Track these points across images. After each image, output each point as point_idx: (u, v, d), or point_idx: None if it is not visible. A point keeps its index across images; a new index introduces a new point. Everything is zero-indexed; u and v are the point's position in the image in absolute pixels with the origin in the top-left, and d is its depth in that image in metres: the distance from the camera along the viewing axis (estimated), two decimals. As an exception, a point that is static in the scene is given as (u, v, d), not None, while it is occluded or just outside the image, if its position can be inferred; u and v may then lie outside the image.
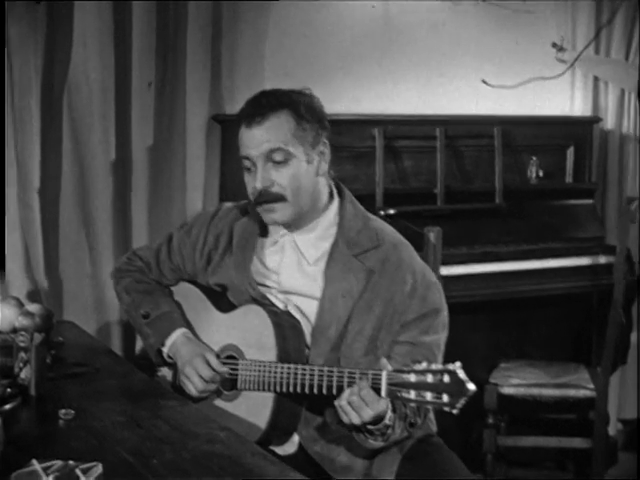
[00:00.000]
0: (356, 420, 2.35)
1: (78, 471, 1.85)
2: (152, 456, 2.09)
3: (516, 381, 4.23)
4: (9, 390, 2.47)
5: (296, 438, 2.65)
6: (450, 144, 4.62)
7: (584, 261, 4.60)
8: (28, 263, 3.92)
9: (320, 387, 2.45)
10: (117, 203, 4.11)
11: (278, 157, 2.57)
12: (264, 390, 2.56)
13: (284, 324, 2.61)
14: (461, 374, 2.20)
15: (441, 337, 2.63)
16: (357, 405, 2.33)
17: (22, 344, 2.55)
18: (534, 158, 4.81)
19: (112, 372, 2.83)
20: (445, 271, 3.81)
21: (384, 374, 2.30)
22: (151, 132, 4.13)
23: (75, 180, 4.01)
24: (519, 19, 4.97)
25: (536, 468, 4.77)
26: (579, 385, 4.19)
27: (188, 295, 2.90)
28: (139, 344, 3.00)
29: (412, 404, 2.31)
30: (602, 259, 4.60)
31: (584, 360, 4.60)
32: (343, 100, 4.48)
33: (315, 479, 2.49)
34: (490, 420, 4.20)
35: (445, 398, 2.20)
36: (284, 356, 2.56)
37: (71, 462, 1.89)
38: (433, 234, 3.25)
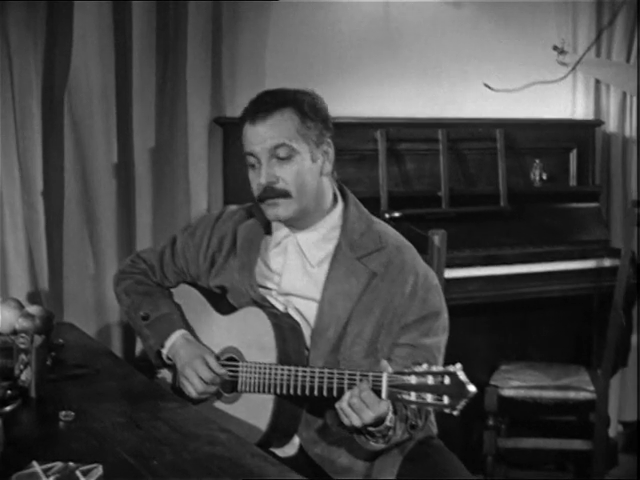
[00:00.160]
0: (357, 422, 2.34)
1: (78, 472, 1.86)
2: (152, 457, 2.09)
3: (516, 383, 4.23)
4: (9, 392, 2.47)
5: (296, 440, 2.65)
6: (453, 147, 4.62)
7: (589, 264, 4.60)
8: (32, 265, 3.93)
9: (320, 389, 2.45)
10: (120, 205, 4.11)
11: (282, 153, 2.57)
12: (264, 392, 2.56)
13: (284, 326, 2.61)
14: (461, 376, 2.20)
15: (441, 340, 2.63)
16: (358, 407, 2.33)
17: (22, 346, 2.55)
18: (537, 161, 4.81)
19: (112, 374, 2.83)
20: (449, 274, 3.81)
21: (384, 376, 2.30)
22: (153, 133, 4.14)
23: (78, 182, 4.02)
24: (520, 22, 4.98)
25: (536, 470, 4.77)
26: (579, 387, 4.19)
27: (188, 297, 2.90)
28: (139, 346, 3.00)
29: (413, 406, 2.31)
30: (607, 262, 4.61)
31: (584, 362, 4.59)
32: (344, 102, 4.47)
33: (315, 481, 2.50)
34: (490, 422, 4.20)
35: (446, 400, 2.20)
36: (284, 358, 2.56)
37: (71, 463, 1.89)
38: (437, 237, 3.24)
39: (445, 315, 2.65)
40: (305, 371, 2.48)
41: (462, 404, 2.19)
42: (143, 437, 2.24)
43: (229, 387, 2.67)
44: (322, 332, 2.60)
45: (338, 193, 2.73)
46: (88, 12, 3.91)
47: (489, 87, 4.93)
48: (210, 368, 2.65)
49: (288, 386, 2.50)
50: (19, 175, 3.88)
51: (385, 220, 2.85)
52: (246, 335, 2.65)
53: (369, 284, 2.60)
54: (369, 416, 2.33)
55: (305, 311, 2.65)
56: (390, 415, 2.37)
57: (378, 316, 2.59)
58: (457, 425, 4.39)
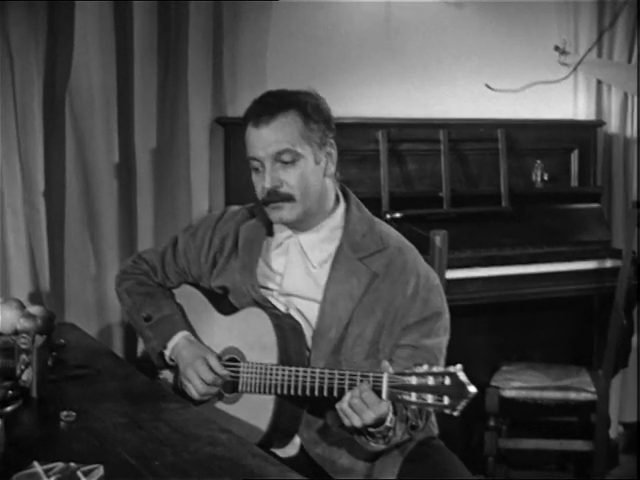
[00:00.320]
0: (357, 423, 2.35)
1: (79, 473, 1.86)
2: (153, 458, 2.09)
3: (517, 384, 4.23)
4: (10, 392, 2.47)
5: (297, 440, 2.65)
6: (454, 147, 4.62)
7: (590, 265, 4.59)
8: (33, 265, 3.93)
9: (321, 389, 2.45)
10: (122, 205, 4.12)
11: (286, 158, 2.57)
12: (265, 392, 2.56)
13: (285, 327, 2.61)
14: (462, 376, 2.20)
15: (442, 340, 2.63)
16: (359, 408, 2.33)
17: (23, 346, 2.55)
18: (539, 161, 4.81)
19: (113, 374, 2.83)
20: (450, 274, 3.81)
21: (385, 376, 2.30)
22: (154, 134, 4.14)
23: (80, 182, 4.02)
24: (522, 22, 4.98)
25: (537, 471, 4.77)
26: (580, 388, 4.19)
27: (189, 297, 2.90)
28: (141, 346, 3.00)
29: (413, 406, 2.31)
30: (608, 263, 4.60)
31: (585, 363, 4.59)
32: (346, 102, 4.47)
33: (316, 481, 2.50)
34: (491, 423, 4.20)
35: (446, 400, 2.20)
36: (285, 358, 2.56)
37: (72, 464, 1.89)
38: (439, 237, 3.25)
39: (446, 316, 2.65)
40: (306, 371, 2.48)
41: (462, 405, 2.20)
42: (144, 438, 2.24)
43: (230, 387, 2.67)
44: (323, 333, 2.60)
45: (340, 194, 2.74)
46: (89, 12, 3.91)
47: (490, 87, 4.94)
48: (212, 369, 2.65)
49: (289, 386, 2.51)
50: (20, 175, 3.88)
51: (386, 221, 2.86)
52: (247, 335, 2.65)
53: (370, 285, 2.60)
54: (370, 417, 2.33)
55: (306, 312, 2.65)
56: (390, 416, 2.38)
57: (379, 317, 2.59)
58: (458, 426, 4.39)
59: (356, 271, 2.61)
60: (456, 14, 4.86)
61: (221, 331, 2.74)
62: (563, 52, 5.04)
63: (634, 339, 4.63)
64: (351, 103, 4.56)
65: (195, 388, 2.66)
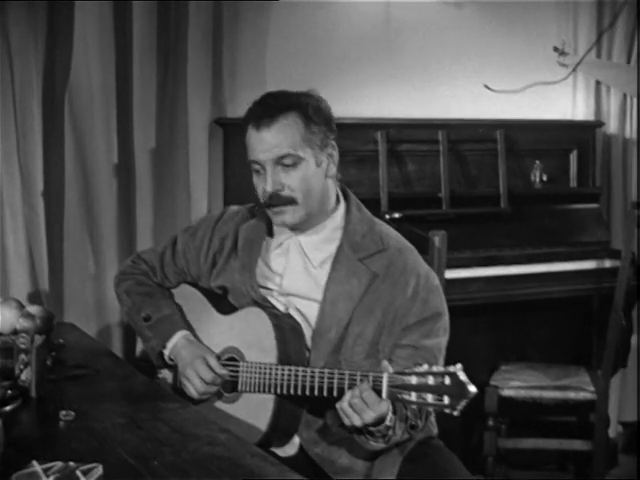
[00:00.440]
0: (357, 422, 2.35)
1: (79, 472, 1.86)
2: (152, 458, 2.09)
3: (517, 383, 4.23)
4: (10, 392, 2.47)
5: (297, 440, 2.65)
6: (453, 148, 4.63)
7: (589, 265, 4.60)
8: (32, 265, 3.93)
9: (321, 389, 2.45)
10: (121, 206, 4.12)
11: (288, 161, 2.56)
12: (265, 392, 2.56)
13: (285, 326, 2.61)
14: (462, 376, 2.21)
15: (442, 341, 2.63)
16: (359, 407, 2.33)
17: (23, 346, 2.55)
18: (538, 162, 4.81)
19: (113, 374, 2.83)
20: (450, 274, 3.82)
21: (385, 376, 2.31)
22: (153, 134, 4.14)
23: (79, 183, 4.02)
24: (521, 23, 4.98)
25: (537, 470, 4.77)
26: (579, 388, 4.19)
27: (189, 297, 2.90)
28: (139, 346, 3.00)
29: (413, 406, 2.32)
30: (607, 263, 4.61)
31: (584, 363, 4.60)
32: (345, 103, 4.46)
33: (315, 481, 2.50)
34: (491, 422, 4.20)
35: (446, 400, 2.21)
36: (285, 358, 2.56)
37: (72, 463, 1.89)
38: (438, 238, 3.25)
39: (446, 316, 2.65)
40: (305, 371, 2.49)
41: (462, 404, 2.20)
42: (143, 437, 2.24)
43: (229, 387, 2.67)
44: (323, 333, 2.60)
45: (340, 194, 2.74)
46: (89, 12, 3.91)
47: (489, 88, 4.94)
48: (211, 368, 2.65)
49: (289, 386, 2.51)
50: (19, 175, 3.88)
51: (385, 221, 2.85)
52: (247, 335, 2.66)
53: (370, 285, 2.60)
54: (370, 416, 2.33)
55: (306, 312, 2.65)
56: (390, 415, 2.38)
57: (379, 317, 2.59)
58: (457, 425, 4.39)
59: (356, 271, 2.61)
60: (455, 14, 4.86)
61: (220, 331, 2.74)
62: (562, 53, 5.04)
63: (633, 339, 4.62)
64: (350, 103, 4.56)
65: (194, 387, 2.66)
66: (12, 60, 3.83)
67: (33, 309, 2.99)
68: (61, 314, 3.95)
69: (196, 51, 4.14)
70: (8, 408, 2.40)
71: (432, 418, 2.74)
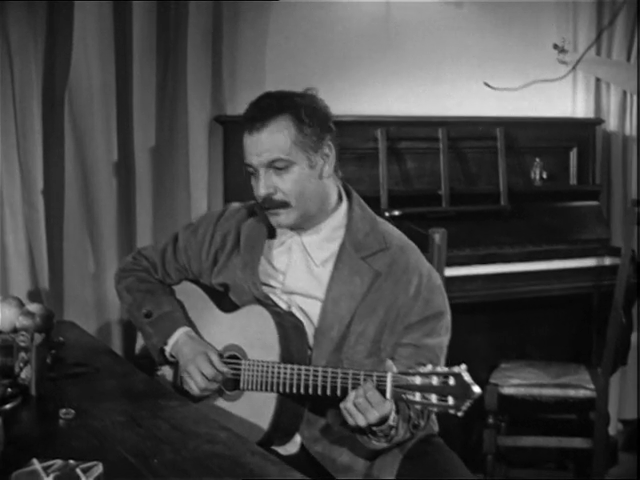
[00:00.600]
0: (362, 422, 2.35)
1: (78, 471, 1.85)
2: (152, 456, 2.09)
3: (516, 381, 4.23)
4: (9, 390, 2.47)
5: (298, 438, 2.65)
6: (453, 145, 4.63)
7: (589, 263, 4.61)
8: (32, 263, 3.93)
9: (324, 388, 2.45)
10: (121, 204, 4.12)
11: (279, 165, 2.56)
12: (267, 390, 2.56)
13: (287, 325, 2.61)
14: (466, 377, 2.21)
15: (444, 340, 2.63)
16: (363, 407, 2.33)
17: (22, 344, 2.55)
18: (537, 160, 4.81)
19: (112, 372, 2.83)
20: (449, 272, 3.81)
21: (389, 376, 2.31)
22: (153, 133, 4.14)
23: (79, 181, 4.02)
24: (521, 21, 4.98)
25: (536, 468, 4.77)
26: (579, 385, 4.18)
27: (190, 294, 2.90)
28: (139, 344, 3.00)
29: (417, 406, 2.31)
30: (607, 261, 4.62)
31: (584, 360, 4.60)
32: (345, 101, 4.47)
33: (316, 479, 2.49)
34: (490, 420, 4.20)
35: (450, 401, 2.21)
36: (287, 356, 2.56)
37: (71, 462, 1.88)
38: (438, 235, 3.24)
39: (448, 316, 2.65)
40: (308, 370, 2.48)
41: (467, 405, 2.20)
42: (143, 435, 2.24)
43: (231, 385, 2.67)
44: (325, 331, 2.60)
45: (343, 192, 2.73)
46: (88, 12, 3.91)
47: (489, 86, 4.94)
48: (213, 365, 2.65)
49: (291, 385, 2.51)
50: (19, 174, 3.89)
51: (385, 219, 2.85)
52: (249, 333, 2.65)
53: (373, 284, 2.60)
54: (374, 416, 2.33)
55: (309, 310, 2.65)
56: (393, 415, 2.38)
57: (382, 316, 2.59)
58: (457, 423, 4.38)
59: (359, 270, 2.61)
60: (455, 13, 4.86)
61: (222, 328, 2.74)
62: (562, 50, 5.04)
63: (633, 337, 4.63)
64: (350, 101, 4.56)
65: (196, 383, 2.66)
66: (12, 60, 3.83)
67: (33, 307, 2.99)
68: (61, 312, 3.95)
69: (196, 51, 4.14)
70: (8, 406, 2.40)
71: (433, 416, 2.74)
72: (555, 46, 5.04)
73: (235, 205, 2.91)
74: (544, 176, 4.80)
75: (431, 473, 2.57)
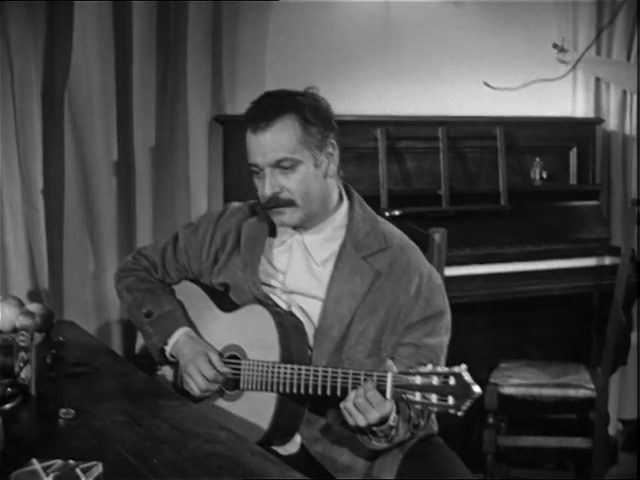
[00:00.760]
0: (362, 422, 2.35)
1: (78, 470, 1.85)
2: (152, 456, 2.09)
3: (516, 381, 4.23)
4: (9, 389, 2.47)
5: (298, 438, 2.65)
6: (453, 145, 4.63)
7: (589, 262, 4.61)
8: (32, 263, 3.93)
9: (324, 388, 2.45)
10: (121, 204, 4.12)
11: (285, 164, 2.56)
12: (267, 390, 2.55)
13: (287, 324, 2.61)
14: (467, 377, 2.20)
15: (444, 340, 2.63)
16: (363, 407, 2.33)
17: (22, 344, 2.55)
18: (537, 159, 4.81)
19: (112, 372, 2.83)
20: (449, 272, 3.81)
21: (389, 376, 2.31)
22: (153, 133, 4.14)
23: (78, 180, 4.02)
24: (521, 20, 4.98)
25: (536, 468, 4.77)
26: (579, 385, 4.18)
27: (190, 294, 2.90)
28: (139, 343, 3.00)
29: (417, 406, 2.31)
30: (607, 260, 4.62)
31: (584, 360, 4.60)
32: (345, 100, 4.46)
33: (316, 479, 2.49)
34: (490, 420, 4.20)
35: (450, 400, 2.21)
36: (287, 356, 2.56)
37: (71, 461, 1.88)
38: (438, 235, 3.24)
39: (448, 315, 2.65)
40: (309, 370, 2.48)
41: (467, 405, 2.20)
42: (143, 435, 2.24)
43: (231, 385, 2.66)
44: (326, 331, 2.60)
45: (343, 192, 2.73)
46: (88, 12, 3.91)
47: (489, 85, 4.94)
48: (213, 365, 2.65)
49: (291, 385, 2.50)
50: (19, 174, 3.89)
51: (385, 218, 2.85)
52: (249, 333, 2.65)
53: (374, 284, 2.60)
54: (374, 416, 2.33)
55: (309, 310, 2.64)
56: (393, 415, 2.38)
57: (382, 316, 2.59)
58: (457, 423, 4.38)
59: (359, 270, 2.61)
60: (455, 12, 4.86)
61: (222, 328, 2.74)
62: (562, 50, 5.04)
63: (633, 336, 4.63)
64: (350, 101, 4.56)
65: (196, 384, 2.66)
66: (12, 60, 3.83)
67: (33, 307, 2.99)
68: (61, 312, 3.95)
69: (196, 51, 4.14)
70: (8, 406, 2.40)
71: (433, 416, 2.73)
72: (555, 45, 5.04)
73: (235, 205, 2.91)
74: (544, 176, 4.80)
75: (431, 473, 2.57)
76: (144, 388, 2.68)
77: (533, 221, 4.68)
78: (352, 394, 2.36)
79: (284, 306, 2.68)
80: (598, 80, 5.16)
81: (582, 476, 4.62)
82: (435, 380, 2.22)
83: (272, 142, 2.55)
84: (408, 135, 4.57)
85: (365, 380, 2.36)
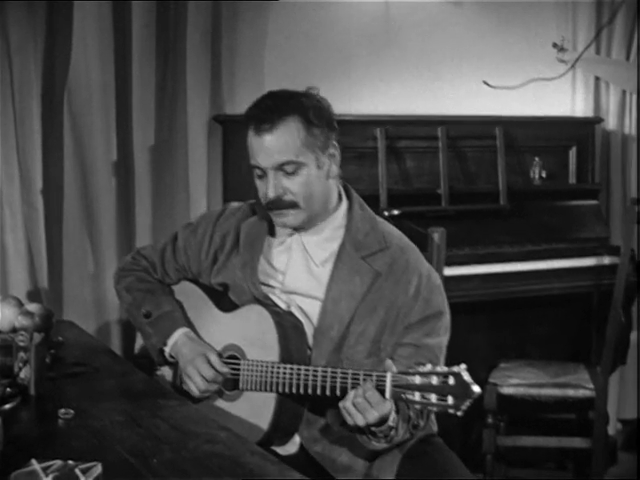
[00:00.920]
0: (361, 422, 2.35)
1: (77, 471, 1.85)
2: (152, 456, 2.09)
3: (516, 381, 4.22)
4: (9, 390, 2.47)
5: (297, 438, 2.64)
6: (452, 144, 4.62)
7: (588, 262, 4.61)
8: (31, 263, 3.93)
9: (323, 388, 2.45)
10: (120, 203, 4.12)
11: (289, 168, 2.55)
12: (266, 390, 2.55)
13: (286, 324, 2.60)
14: (466, 376, 2.20)
15: (443, 340, 2.63)
16: (362, 407, 2.33)
17: (22, 344, 2.55)
18: (537, 159, 4.81)
19: (112, 372, 2.83)
20: (449, 272, 3.81)
21: (389, 376, 2.31)
22: (152, 133, 4.15)
23: (78, 180, 4.03)
24: (520, 20, 4.98)
25: (536, 468, 4.77)
26: (579, 385, 4.18)
27: (189, 294, 2.89)
28: (138, 343, 3.00)
29: (417, 406, 2.31)
30: (606, 260, 4.61)
31: (583, 360, 4.59)
32: (344, 100, 4.48)
33: (316, 479, 2.49)
34: (490, 420, 4.19)
35: (450, 400, 2.20)
36: (286, 356, 2.56)
37: (71, 462, 1.88)
38: (437, 235, 3.24)
39: (447, 316, 2.65)
40: (308, 370, 2.48)
41: (466, 405, 2.19)
42: (143, 435, 2.24)
43: (231, 385, 2.66)
44: (325, 331, 2.60)
45: (342, 192, 2.73)
46: (88, 12, 3.92)
47: (488, 84, 4.94)
48: (212, 366, 2.64)
49: (291, 385, 2.50)
50: (19, 174, 3.89)
51: (384, 218, 2.85)
52: (248, 333, 2.65)
53: (373, 284, 2.60)
54: (373, 416, 2.33)
55: (308, 310, 2.64)
56: (393, 415, 2.38)
57: (382, 316, 2.58)
58: (456, 423, 4.38)
59: (359, 270, 2.61)
60: (455, 12, 4.87)
61: (221, 328, 2.74)
62: (561, 49, 5.04)
63: (633, 336, 4.63)
64: (349, 100, 4.57)
65: (196, 385, 2.65)
66: (11, 60, 3.83)
67: (32, 307, 2.99)
68: (60, 312, 3.95)
69: (195, 50, 4.14)
70: (7, 406, 2.40)
71: (432, 416, 2.73)
72: (554, 45, 5.05)
73: (234, 204, 2.91)
74: (543, 175, 4.80)
75: (431, 473, 2.57)
76: (143, 388, 2.68)
77: (532, 221, 4.68)
78: (351, 394, 2.36)
79: (283, 306, 2.68)
80: (597, 79, 5.16)
81: (581, 476, 4.62)
82: (434, 380, 2.22)
83: (276, 145, 2.54)
84: (407, 135, 4.57)
85: (364, 380, 2.36)
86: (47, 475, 1.82)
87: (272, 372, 2.54)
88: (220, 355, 2.69)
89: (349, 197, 2.72)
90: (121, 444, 2.17)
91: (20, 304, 3.03)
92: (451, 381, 2.20)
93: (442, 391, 2.21)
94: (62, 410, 2.36)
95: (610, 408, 4.63)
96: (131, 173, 4.10)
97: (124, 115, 4.07)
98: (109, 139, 4.04)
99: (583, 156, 4.99)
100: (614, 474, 4.61)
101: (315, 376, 2.46)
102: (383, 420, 2.36)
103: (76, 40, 3.90)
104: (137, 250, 3.10)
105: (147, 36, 4.05)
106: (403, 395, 2.27)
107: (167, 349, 2.78)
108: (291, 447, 2.65)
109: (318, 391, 2.46)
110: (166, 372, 2.87)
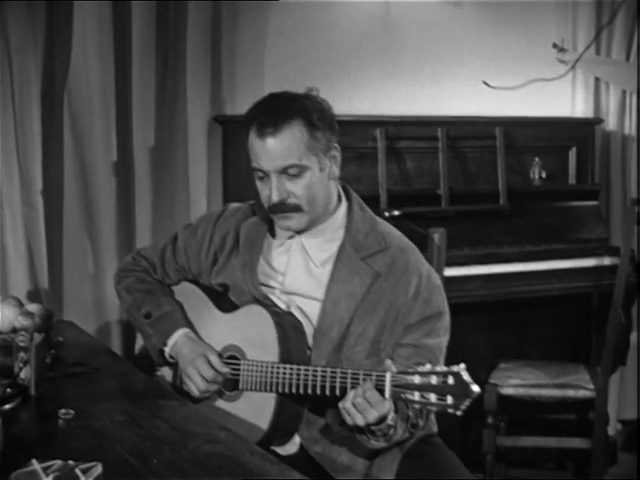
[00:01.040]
0: (361, 421, 2.35)
1: (78, 471, 1.85)
2: (152, 456, 2.09)
3: (516, 381, 4.22)
4: (9, 390, 2.47)
5: (297, 438, 2.65)
6: (452, 145, 4.63)
7: (588, 262, 4.61)
8: (31, 263, 3.93)
9: (323, 388, 2.45)
10: (120, 204, 4.12)
11: (293, 172, 2.54)
12: (266, 391, 2.55)
13: (286, 325, 2.60)
14: (465, 376, 2.21)
15: (443, 340, 2.63)
16: (362, 407, 2.33)
17: (22, 344, 2.55)
18: (537, 159, 4.81)
19: (112, 372, 2.83)
20: (449, 272, 3.81)
21: (388, 375, 2.31)
22: (152, 133, 4.14)
23: (78, 181, 4.02)
24: (520, 20, 4.98)
25: (536, 468, 4.77)
26: (579, 385, 4.18)
27: (189, 295, 2.89)
28: (138, 343, 3.00)
29: (416, 406, 2.31)
30: (606, 260, 4.61)
31: (584, 360, 4.60)
32: (344, 100, 4.47)
33: (315, 479, 2.49)
34: (490, 420, 4.19)
35: (449, 400, 2.21)
36: (286, 357, 2.56)
37: (71, 462, 1.89)
38: (437, 235, 3.24)
39: (447, 316, 2.65)
40: (308, 370, 2.48)
41: (466, 404, 2.20)
42: (143, 436, 2.24)
43: (231, 385, 2.66)
44: (325, 332, 2.60)
45: (342, 192, 2.73)
46: (88, 12, 3.91)
47: (488, 85, 4.94)
48: (213, 366, 2.64)
49: (290, 385, 2.50)
50: (19, 174, 3.89)
51: (384, 218, 2.85)
52: (248, 333, 2.65)
53: (373, 284, 2.60)
54: (373, 416, 2.33)
55: (308, 310, 2.64)
56: (392, 414, 2.38)
57: (382, 316, 2.59)
58: (456, 423, 4.39)
59: (359, 270, 2.61)
60: (454, 12, 4.87)
61: (221, 329, 2.74)
62: (561, 49, 5.04)
63: (633, 336, 4.63)
64: (349, 101, 4.56)
65: (196, 385, 2.66)
66: (11, 60, 3.83)
67: (32, 307, 2.99)
68: (60, 312, 3.95)
69: (195, 51, 4.14)
70: (7, 406, 2.40)
71: (432, 416, 2.74)
72: (554, 45, 5.05)
73: (234, 205, 2.91)
74: (543, 175, 4.81)
75: (430, 473, 2.57)
76: (144, 388, 2.68)
77: (532, 221, 4.68)
78: (351, 394, 2.36)
79: (283, 307, 2.68)
80: (597, 80, 5.16)
81: (581, 476, 4.62)
82: (434, 379, 2.22)
83: (280, 148, 2.53)
84: (407, 135, 4.58)
85: (364, 380, 2.36)
86: (47, 475, 1.82)
87: (272, 372, 2.54)
88: (220, 355, 2.69)
89: (348, 198, 2.72)
90: (121, 444, 2.17)
91: (20, 304, 3.03)
92: (450, 381, 2.20)
93: (441, 391, 2.21)
94: (62, 410, 2.36)
95: (610, 409, 4.63)
96: (131, 173, 4.10)
97: (124, 115, 4.07)
98: (109, 139, 4.04)
99: (583, 157, 4.99)
100: (614, 474, 4.61)
101: (315, 376, 2.46)
102: (382, 419, 2.36)
103: (76, 40, 3.90)
104: (137, 251, 3.10)
105: (147, 36, 4.05)
106: (403, 395, 2.27)
107: (167, 349, 2.78)
108: (291, 447, 2.65)
109: (318, 391, 2.46)
110: (166, 372, 2.87)
